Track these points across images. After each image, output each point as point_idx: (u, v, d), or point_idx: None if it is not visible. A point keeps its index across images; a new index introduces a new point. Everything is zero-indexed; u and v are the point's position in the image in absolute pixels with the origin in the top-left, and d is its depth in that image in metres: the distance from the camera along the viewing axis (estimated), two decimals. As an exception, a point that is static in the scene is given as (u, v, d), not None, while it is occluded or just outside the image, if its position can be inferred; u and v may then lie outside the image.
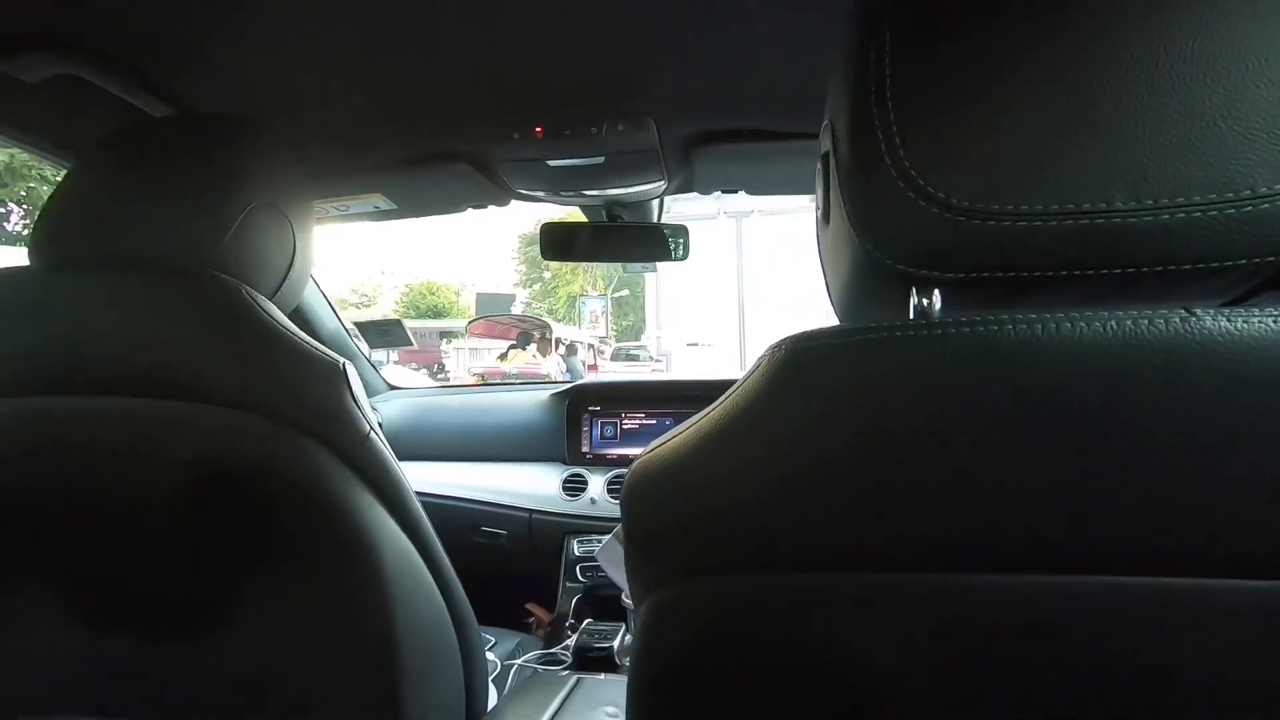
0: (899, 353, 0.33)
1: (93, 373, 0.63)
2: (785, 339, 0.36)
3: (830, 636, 0.36)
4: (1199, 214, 0.30)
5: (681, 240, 1.23)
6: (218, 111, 0.92)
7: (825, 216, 0.40)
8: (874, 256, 0.34)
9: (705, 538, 0.38)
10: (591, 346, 11.00)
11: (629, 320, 19.54)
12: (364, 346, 1.68)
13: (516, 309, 16.13)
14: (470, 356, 9.97)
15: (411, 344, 1.77)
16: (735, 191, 1.17)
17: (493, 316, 10.69)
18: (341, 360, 0.68)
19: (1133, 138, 0.30)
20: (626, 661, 1.16)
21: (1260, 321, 0.29)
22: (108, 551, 0.69)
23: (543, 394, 1.69)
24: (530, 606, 1.53)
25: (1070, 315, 0.31)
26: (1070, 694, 0.33)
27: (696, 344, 9.50)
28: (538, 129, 0.96)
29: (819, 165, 0.41)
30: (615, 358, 11.84)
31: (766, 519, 0.36)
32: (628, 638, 1.19)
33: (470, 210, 1.24)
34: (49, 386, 0.64)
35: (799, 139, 1.00)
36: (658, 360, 9.85)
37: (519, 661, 1.09)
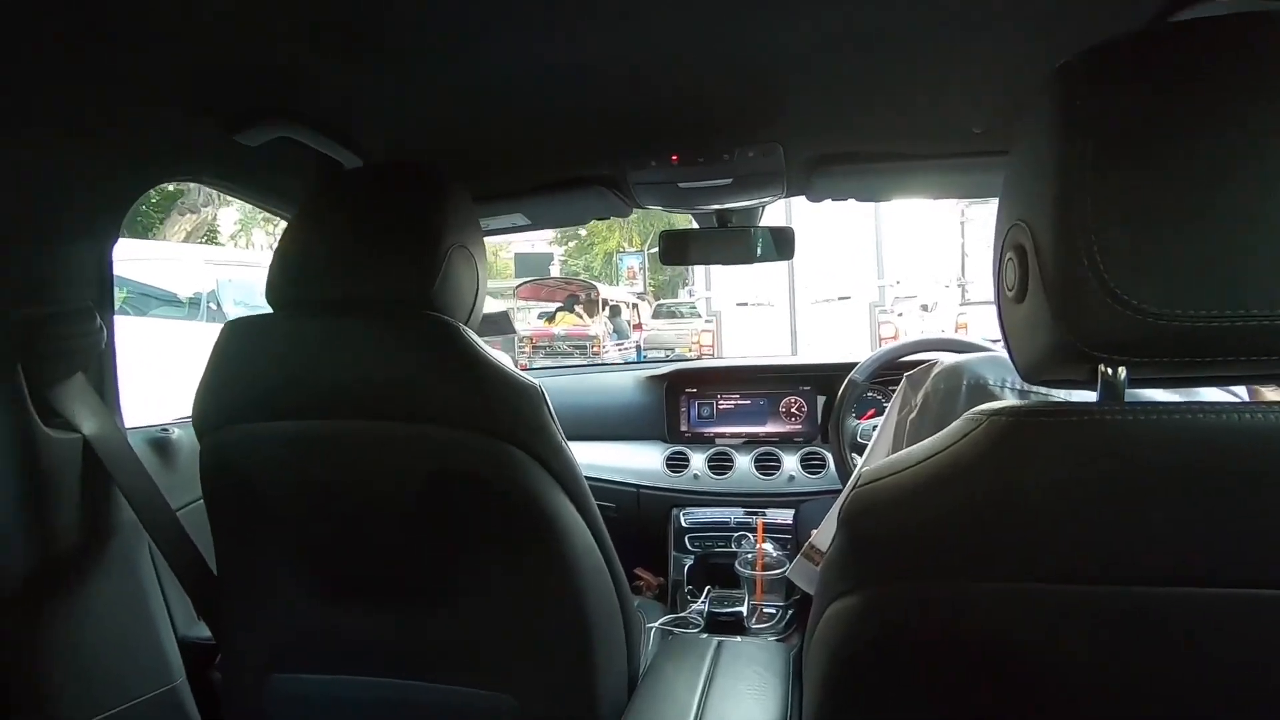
0: (1107, 431, 0.43)
1: (345, 400, 0.77)
2: (1002, 410, 0.46)
3: (1003, 633, 0.46)
4: None
5: (788, 241, 1.31)
6: (399, 160, 1.04)
7: (1019, 298, 0.50)
8: (1071, 342, 0.44)
9: (916, 549, 0.49)
10: (635, 306, 11.08)
11: (665, 275, 19.47)
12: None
13: (554, 268, 16.18)
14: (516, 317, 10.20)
15: (515, 332, 1.91)
16: (845, 199, 1.25)
17: (539, 280, 10.86)
18: (539, 384, 0.81)
19: None
20: (754, 625, 1.30)
21: None
22: (350, 542, 0.84)
23: (641, 375, 1.82)
24: (639, 571, 1.68)
25: (1248, 406, 0.41)
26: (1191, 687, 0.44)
27: (746, 303, 9.53)
28: (674, 156, 1.05)
29: (1008, 251, 0.50)
30: (657, 315, 11.88)
31: (971, 543, 0.47)
32: (750, 604, 1.34)
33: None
34: (308, 411, 0.77)
35: (909, 159, 1.07)
36: (708, 320, 9.91)
37: (657, 624, 1.24)
